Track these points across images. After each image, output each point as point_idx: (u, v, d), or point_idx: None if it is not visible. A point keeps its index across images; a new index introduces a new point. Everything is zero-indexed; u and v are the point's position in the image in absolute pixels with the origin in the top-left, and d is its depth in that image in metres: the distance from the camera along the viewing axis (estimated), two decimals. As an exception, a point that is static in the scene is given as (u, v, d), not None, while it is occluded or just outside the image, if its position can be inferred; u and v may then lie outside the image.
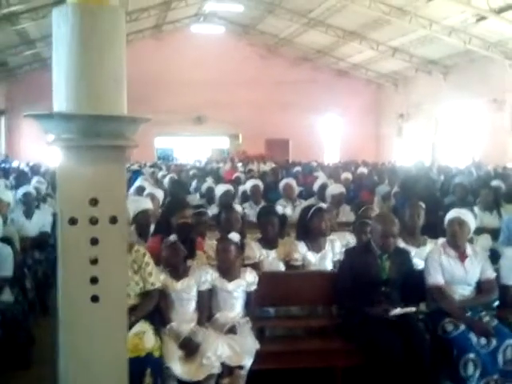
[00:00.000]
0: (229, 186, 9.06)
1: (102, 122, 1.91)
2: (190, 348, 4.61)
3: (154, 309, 4.90)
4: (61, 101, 1.98)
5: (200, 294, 5.03)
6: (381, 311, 4.95)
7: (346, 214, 8.67)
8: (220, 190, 8.84)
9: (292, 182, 9.62)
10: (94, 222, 1.92)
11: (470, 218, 5.52)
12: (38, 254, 7.85)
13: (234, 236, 5.21)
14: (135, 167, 18.31)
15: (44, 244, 8.10)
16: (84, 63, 1.96)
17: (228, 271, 5.15)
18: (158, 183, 11.53)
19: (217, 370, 4.52)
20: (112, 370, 1.98)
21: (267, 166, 18.92)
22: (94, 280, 1.92)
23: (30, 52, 25.41)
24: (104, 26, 1.98)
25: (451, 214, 5.53)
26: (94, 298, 1.93)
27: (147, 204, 6.62)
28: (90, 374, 1.96)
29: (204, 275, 5.04)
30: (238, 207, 6.37)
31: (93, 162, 1.92)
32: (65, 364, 1.96)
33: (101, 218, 1.93)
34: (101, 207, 1.93)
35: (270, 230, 6.01)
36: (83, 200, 1.92)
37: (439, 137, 27.75)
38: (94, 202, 1.92)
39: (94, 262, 1.92)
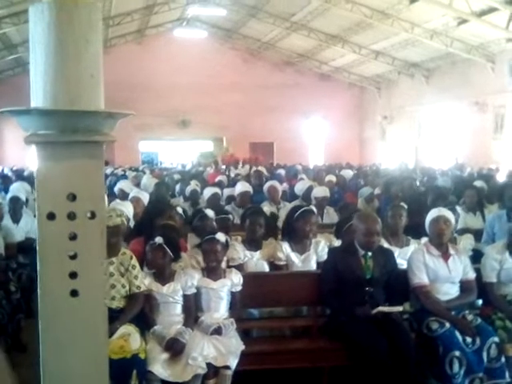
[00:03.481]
0: (216, 189, 9.11)
1: (79, 118, 1.91)
2: (175, 349, 4.59)
3: (139, 311, 4.88)
4: (38, 97, 1.97)
5: (186, 298, 5.02)
6: (367, 310, 4.95)
7: (331, 215, 8.71)
8: (207, 192, 8.88)
9: (276, 184, 9.63)
10: (72, 217, 1.91)
11: (452, 216, 5.59)
12: (23, 258, 7.79)
13: (221, 236, 5.21)
14: (120, 171, 18.19)
15: (29, 248, 8.05)
16: (61, 60, 1.96)
17: (213, 271, 5.15)
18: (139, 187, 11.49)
19: (202, 370, 4.51)
20: (92, 364, 1.98)
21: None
22: (73, 275, 1.91)
23: (12, 57, 25.29)
24: (80, 22, 1.98)
25: (435, 213, 5.56)
26: (74, 293, 1.92)
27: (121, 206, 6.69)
28: (70, 368, 1.95)
29: (190, 280, 5.03)
30: (210, 212, 6.37)
31: (70, 158, 1.92)
32: (45, 359, 1.95)
33: (79, 213, 1.93)
34: (79, 202, 1.92)
35: (258, 230, 6.02)
36: (61, 195, 1.91)
37: (422, 139, 27.92)
38: (72, 197, 1.91)
39: (73, 257, 1.92)
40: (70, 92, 1.95)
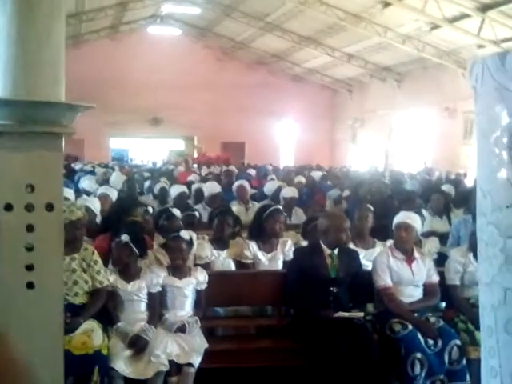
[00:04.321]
0: (183, 187, 9.06)
1: (37, 109, 1.89)
2: (138, 345, 4.57)
3: (103, 307, 4.84)
4: (-2, 88, 1.95)
5: (151, 296, 4.99)
6: (330, 314, 4.97)
7: (299, 216, 8.73)
8: (175, 191, 8.83)
9: (245, 183, 9.63)
10: (29, 208, 1.89)
11: (417, 221, 5.61)
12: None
13: (185, 234, 5.20)
14: (88, 167, 18.03)
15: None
16: (22, 51, 1.94)
17: (179, 269, 5.13)
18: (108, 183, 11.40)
19: (165, 367, 4.50)
20: (48, 354, 1.96)
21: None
22: (29, 267, 1.89)
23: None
24: (43, 15, 1.96)
25: (398, 219, 5.61)
26: (30, 285, 1.90)
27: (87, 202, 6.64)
28: (25, 359, 1.93)
29: (155, 278, 5.00)
30: (176, 212, 6.35)
31: (29, 149, 1.89)
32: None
33: (37, 204, 1.90)
34: (37, 194, 1.90)
35: (226, 229, 6.01)
36: (19, 186, 1.88)
37: (393, 143, 28.09)
38: (30, 188, 1.88)
39: (30, 248, 1.89)
40: (30, 83, 1.93)
